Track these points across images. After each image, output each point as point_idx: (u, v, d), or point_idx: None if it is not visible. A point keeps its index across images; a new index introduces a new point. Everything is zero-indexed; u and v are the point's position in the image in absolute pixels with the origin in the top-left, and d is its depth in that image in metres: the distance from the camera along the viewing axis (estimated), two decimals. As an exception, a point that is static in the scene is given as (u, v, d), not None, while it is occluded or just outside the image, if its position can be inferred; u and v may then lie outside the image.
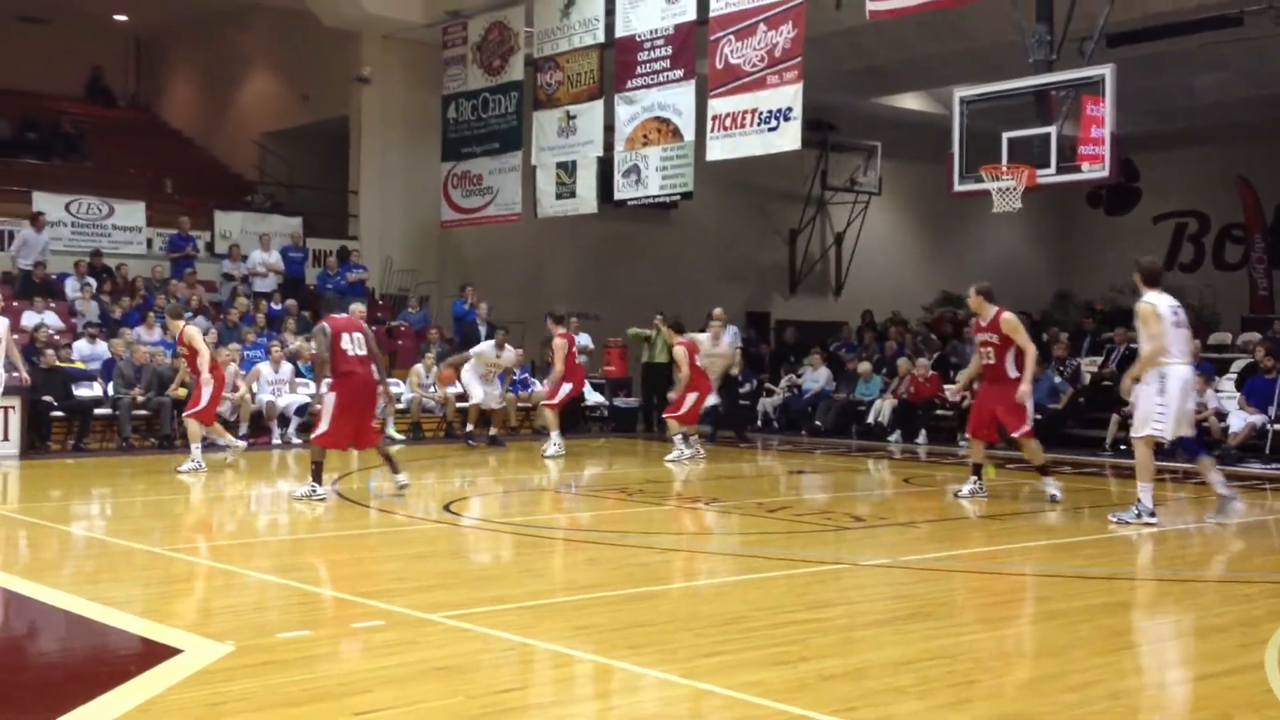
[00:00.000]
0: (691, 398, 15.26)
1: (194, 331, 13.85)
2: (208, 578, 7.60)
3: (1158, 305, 9.77)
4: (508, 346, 17.63)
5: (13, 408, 14.87)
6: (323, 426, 10.73)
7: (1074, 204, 28.22)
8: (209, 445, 14.16)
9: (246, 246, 21.06)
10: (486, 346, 17.67)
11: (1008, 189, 14.51)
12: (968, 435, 12.19)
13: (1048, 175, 14.34)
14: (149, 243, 21.01)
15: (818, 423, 19.64)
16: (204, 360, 13.47)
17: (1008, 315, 11.06)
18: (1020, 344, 10.91)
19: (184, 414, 13.92)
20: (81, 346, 17.21)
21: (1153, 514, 9.87)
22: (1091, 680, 5.34)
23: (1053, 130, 14.31)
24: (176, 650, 5.57)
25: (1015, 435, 11.15)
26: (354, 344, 10.71)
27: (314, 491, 10.71)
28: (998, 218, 16.72)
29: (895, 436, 18.39)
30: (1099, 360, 18.76)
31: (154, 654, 5.56)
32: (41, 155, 23.66)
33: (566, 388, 16.38)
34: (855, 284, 28.09)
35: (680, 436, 15.21)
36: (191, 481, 12.74)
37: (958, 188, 15.28)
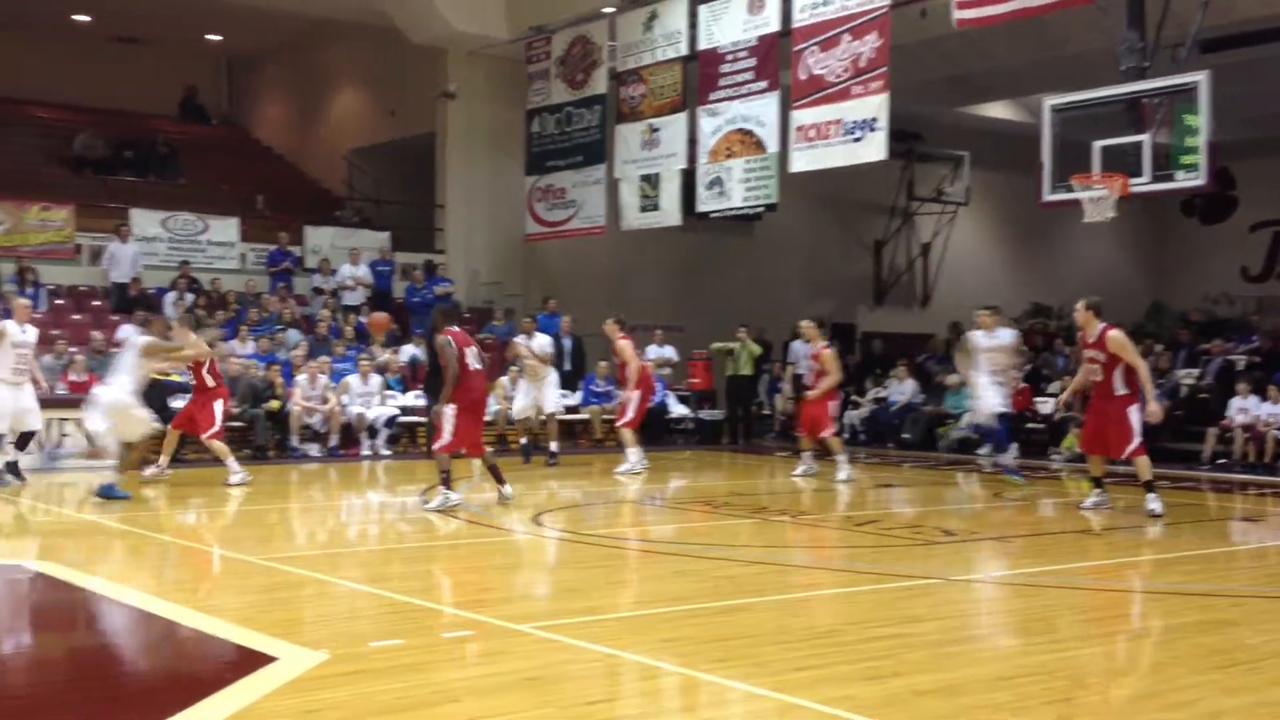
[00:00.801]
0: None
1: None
2: (300, 587, 7.71)
3: None
4: (537, 334, 16.58)
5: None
6: (445, 436, 10.95)
7: (1168, 213, 27.65)
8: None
9: (336, 261, 21.40)
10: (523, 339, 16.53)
11: (1100, 198, 14.26)
12: (1082, 450, 12.02)
13: (1141, 184, 14.06)
14: (242, 258, 21.44)
15: (905, 435, 19.43)
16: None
17: (1114, 333, 10.90)
18: (1129, 361, 10.71)
19: (203, 437, 13.55)
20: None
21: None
22: (1190, 699, 5.21)
23: (1146, 138, 14.03)
24: (271, 658, 5.65)
25: (1122, 457, 10.93)
26: (474, 357, 11.05)
27: (448, 500, 10.89)
28: (1089, 228, 16.43)
29: (985, 450, 18.10)
30: (1195, 373, 18.32)
31: (250, 661, 5.64)
32: (138, 173, 24.25)
33: (636, 397, 15.53)
34: (943, 295, 27.78)
35: (842, 457, 14.54)
36: (241, 494, 12.77)
37: (1047, 197, 15.04)
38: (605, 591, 7.73)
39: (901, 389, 20.28)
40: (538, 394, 16.24)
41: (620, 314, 16.20)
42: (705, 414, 20.84)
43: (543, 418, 16.45)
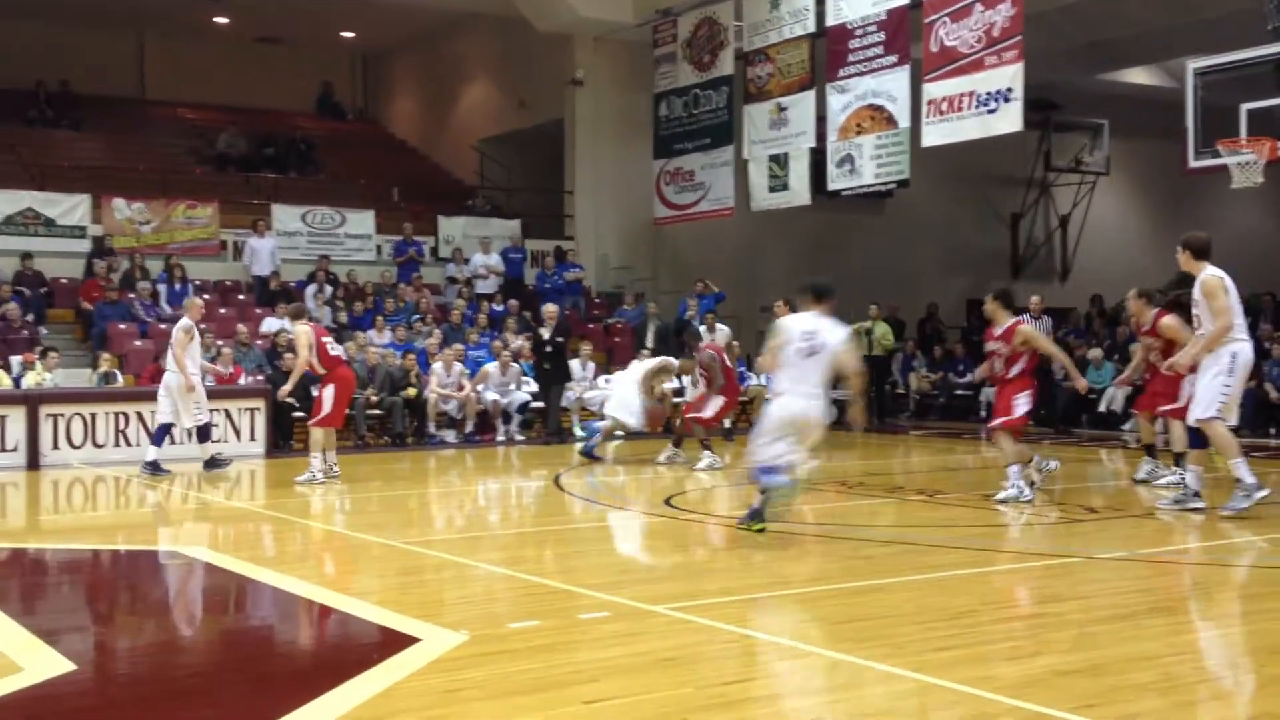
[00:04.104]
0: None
1: (300, 331, 12.76)
2: (439, 569, 7.87)
3: (1225, 278, 9.06)
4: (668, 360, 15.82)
5: (258, 409, 15.72)
6: (708, 412, 13.44)
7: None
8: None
9: (468, 250, 21.74)
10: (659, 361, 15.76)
11: (1248, 163, 13.74)
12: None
13: (1290, 147, 13.51)
14: (378, 249, 21.92)
15: (1042, 411, 18.98)
16: (300, 362, 12.72)
17: (1166, 320, 10.80)
18: (1182, 343, 10.27)
19: (309, 422, 13.05)
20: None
21: (1259, 486, 9.19)
22: (1352, 680, 5.01)
23: (1295, 99, 13.49)
24: (415, 639, 5.79)
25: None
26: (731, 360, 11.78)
27: (715, 463, 13.11)
28: (1236, 195, 15.85)
29: (1129, 425, 17.64)
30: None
31: (394, 642, 5.79)
32: (278, 169, 24.96)
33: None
34: (1083, 268, 27.08)
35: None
36: (310, 493, 12.09)
37: (1193, 164, 14.56)
38: (740, 573, 7.73)
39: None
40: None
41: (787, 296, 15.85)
42: (835, 393, 20.63)
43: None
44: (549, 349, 17.24)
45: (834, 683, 5.23)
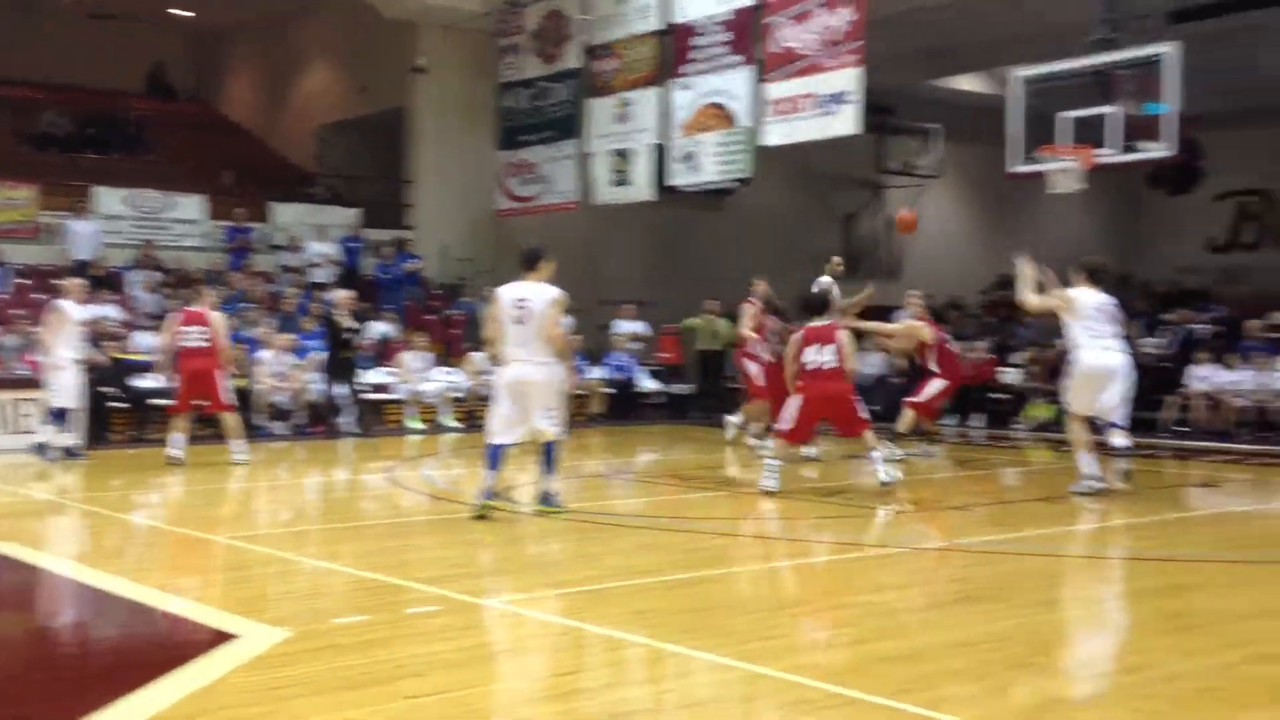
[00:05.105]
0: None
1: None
2: (264, 565, 7.69)
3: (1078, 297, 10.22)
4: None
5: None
6: (785, 424, 10.65)
7: (1136, 184, 27.75)
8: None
9: (305, 238, 21.26)
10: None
11: (1068, 170, 14.32)
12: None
13: (1109, 155, 14.12)
14: (209, 235, 21.26)
15: (875, 407, 19.49)
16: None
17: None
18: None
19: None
20: (141, 338, 17.43)
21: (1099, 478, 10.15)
22: (1148, 663, 5.27)
23: (1114, 110, 14.08)
24: (235, 635, 5.65)
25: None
26: (820, 353, 10.47)
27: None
28: (1060, 200, 16.51)
29: (953, 420, 18.25)
30: (1160, 342, 18.49)
31: (215, 639, 5.64)
32: (102, 150, 24.02)
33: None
34: (913, 267, 27.85)
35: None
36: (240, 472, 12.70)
37: (1015, 169, 15.10)
38: (573, 566, 7.74)
39: (872, 361, 20.31)
40: None
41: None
42: (676, 388, 20.87)
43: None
44: (344, 337, 16.93)
45: (661, 673, 5.28)
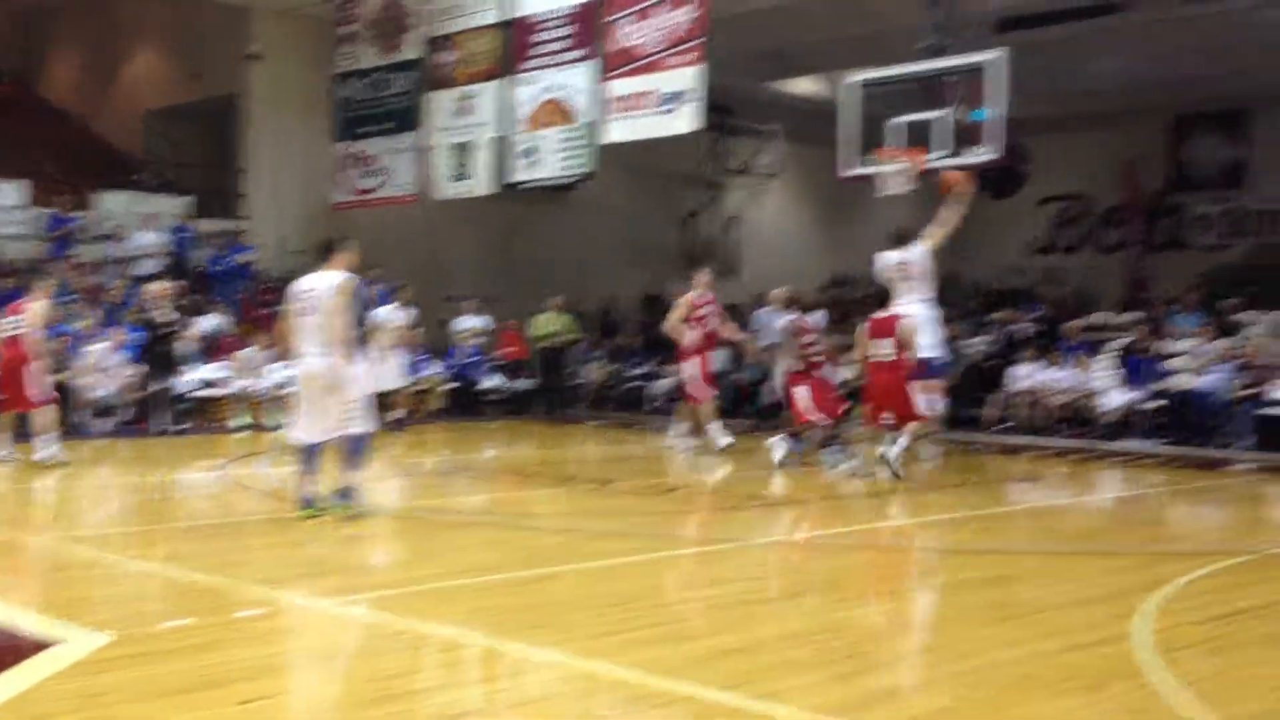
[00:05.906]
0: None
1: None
2: (87, 567, 7.39)
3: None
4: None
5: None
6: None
7: (965, 187, 28.66)
8: None
9: (131, 227, 20.49)
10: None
11: (898, 173, 14.71)
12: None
13: (937, 159, 14.54)
14: (30, 224, 20.31)
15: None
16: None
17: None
18: None
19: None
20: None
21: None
22: (972, 651, 5.44)
23: (942, 114, 14.49)
24: (53, 641, 5.41)
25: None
26: (879, 348, 10.96)
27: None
28: (892, 201, 16.91)
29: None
30: (984, 341, 19.11)
31: (32, 644, 5.39)
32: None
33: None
34: (751, 266, 28.26)
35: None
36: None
37: (847, 172, 15.47)
38: (408, 565, 7.65)
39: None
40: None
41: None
42: (519, 384, 20.78)
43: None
44: (161, 331, 16.39)
45: (497, 672, 5.24)
